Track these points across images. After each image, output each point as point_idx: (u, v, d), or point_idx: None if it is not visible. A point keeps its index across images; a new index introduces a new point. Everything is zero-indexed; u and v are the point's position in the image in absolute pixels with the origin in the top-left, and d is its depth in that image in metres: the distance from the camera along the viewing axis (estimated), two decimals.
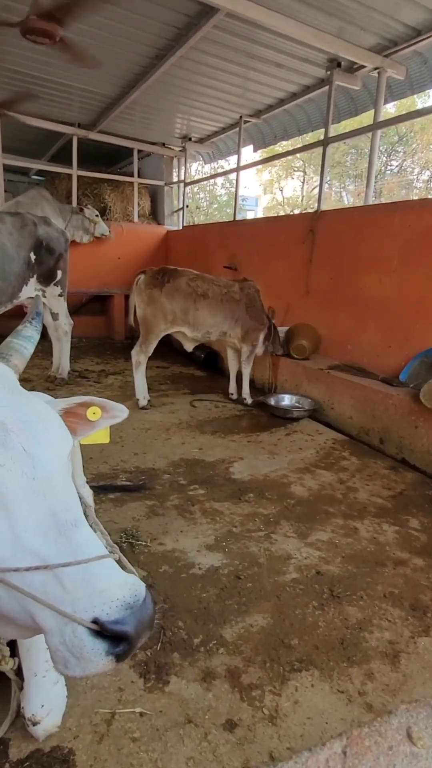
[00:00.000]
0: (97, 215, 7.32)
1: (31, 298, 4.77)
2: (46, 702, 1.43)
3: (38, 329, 1.32)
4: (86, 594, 0.87)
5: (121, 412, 1.32)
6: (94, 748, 1.43)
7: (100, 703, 1.57)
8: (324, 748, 0.64)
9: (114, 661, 0.87)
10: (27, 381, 5.17)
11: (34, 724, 1.41)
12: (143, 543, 2.47)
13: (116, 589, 0.89)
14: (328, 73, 5.02)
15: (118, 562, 0.98)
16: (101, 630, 0.85)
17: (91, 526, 1.09)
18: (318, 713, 1.59)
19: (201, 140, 8.02)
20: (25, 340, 1.25)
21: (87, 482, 2.28)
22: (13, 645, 1.39)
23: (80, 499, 1.07)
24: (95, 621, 0.85)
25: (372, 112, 5.13)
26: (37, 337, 1.30)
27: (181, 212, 8.79)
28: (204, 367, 6.36)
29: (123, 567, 0.99)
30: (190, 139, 7.97)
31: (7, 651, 1.36)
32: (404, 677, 1.75)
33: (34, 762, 1.38)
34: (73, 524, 0.93)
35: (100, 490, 2.89)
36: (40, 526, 0.91)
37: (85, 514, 1.04)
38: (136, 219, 8.60)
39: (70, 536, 0.91)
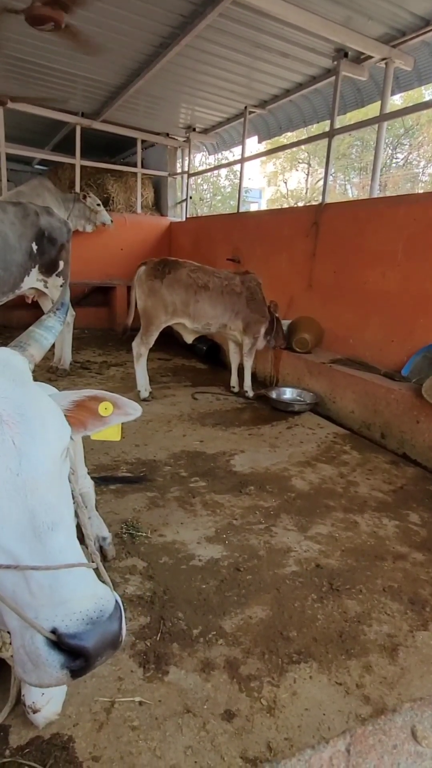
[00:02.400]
0: (98, 204, 7.28)
1: (33, 288, 4.76)
2: (46, 690, 1.44)
3: (62, 320, 1.30)
4: (50, 602, 0.85)
5: (134, 409, 1.29)
6: (93, 736, 1.44)
7: (100, 691, 1.59)
8: (328, 746, 0.64)
9: (69, 675, 0.84)
10: None
11: (35, 711, 1.42)
12: (144, 534, 2.48)
13: (81, 601, 0.86)
14: (335, 63, 4.96)
15: (96, 570, 0.95)
16: (59, 642, 0.83)
17: (84, 526, 1.07)
18: (316, 705, 1.60)
19: (205, 131, 7.95)
20: (46, 330, 1.24)
21: (88, 473, 2.29)
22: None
23: (74, 497, 1.05)
24: (54, 631, 0.83)
25: (378, 103, 5.07)
26: (59, 327, 1.28)
27: (184, 203, 8.73)
28: (206, 359, 6.35)
29: (103, 578, 0.97)
30: (194, 130, 7.90)
31: (7, 638, 1.36)
32: (402, 670, 1.76)
33: (34, 749, 1.40)
34: (50, 527, 0.90)
35: (101, 481, 2.89)
36: (17, 525, 0.89)
37: (76, 515, 1.02)
38: (139, 210, 8.55)
39: (45, 539, 0.89)
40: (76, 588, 0.87)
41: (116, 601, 0.92)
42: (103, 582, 0.96)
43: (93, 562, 0.96)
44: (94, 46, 4.35)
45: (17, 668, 0.88)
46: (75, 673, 0.85)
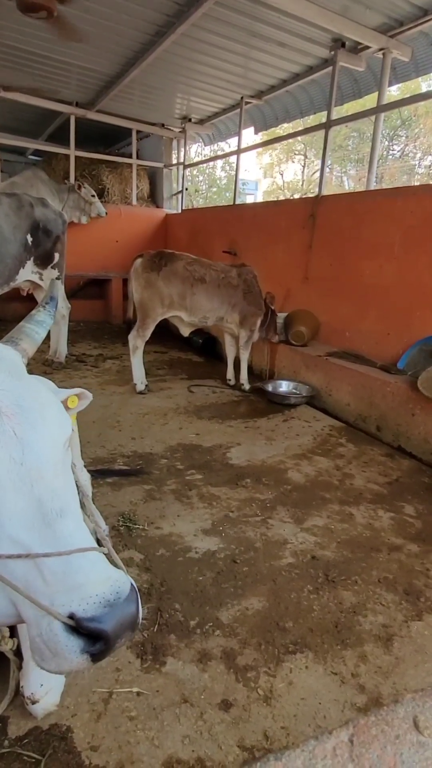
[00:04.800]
0: (93, 195, 7.22)
1: (28, 280, 4.73)
2: (44, 681, 1.45)
3: (52, 314, 1.31)
4: (65, 587, 0.85)
5: (86, 398, 1.36)
6: (91, 726, 1.46)
7: (98, 682, 1.60)
8: (331, 736, 0.65)
9: (89, 660, 0.84)
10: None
11: (33, 702, 1.43)
12: (140, 527, 2.49)
13: (96, 584, 0.86)
14: (332, 53, 4.92)
15: (107, 556, 0.95)
16: (77, 626, 0.83)
17: (87, 516, 1.07)
18: (312, 694, 1.62)
19: (201, 121, 7.88)
20: (37, 325, 1.24)
21: (85, 466, 2.29)
22: (12, 625, 1.40)
23: (79, 487, 1.05)
24: (71, 616, 0.83)
25: (375, 94, 5.04)
26: (50, 322, 1.29)
27: (180, 195, 8.67)
28: (202, 352, 6.35)
29: (113, 562, 0.97)
30: (190, 120, 7.83)
31: (6, 632, 1.37)
32: (397, 660, 1.78)
33: (32, 739, 1.41)
34: (59, 514, 0.90)
35: (97, 474, 2.90)
36: (24, 514, 0.89)
37: (81, 504, 1.02)
38: (134, 201, 8.49)
39: (54, 526, 0.89)
40: (91, 572, 0.87)
41: (131, 584, 0.92)
42: (116, 566, 0.96)
43: (104, 547, 0.96)
44: (79, 33, 4.20)
45: (35, 657, 0.88)
46: (95, 658, 0.85)
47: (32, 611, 0.87)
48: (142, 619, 1.87)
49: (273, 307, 4.85)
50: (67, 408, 1.28)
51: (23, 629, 1.41)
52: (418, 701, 0.72)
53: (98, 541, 1.03)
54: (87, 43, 5.06)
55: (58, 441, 1.01)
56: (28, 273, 4.63)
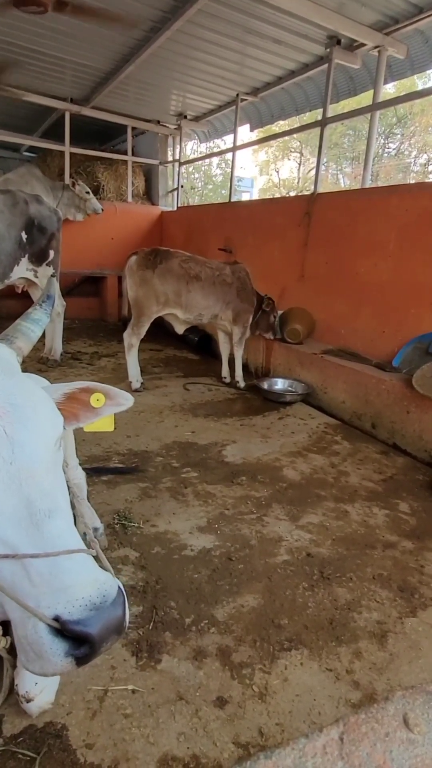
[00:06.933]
0: (87, 192, 7.18)
1: (23, 278, 4.71)
2: (39, 679, 1.45)
3: (48, 312, 1.30)
4: (51, 589, 0.84)
5: (125, 399, 1.28)
6: (86, 724, 1.46)
7: (93, 680, 1.60)
8: (321, 734, 0.65)
9: (74, 663, 0.83)
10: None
11: (28, 701, 1.43)
12: (136, 525, 2.48)
13: (83, 587, 0.85)
14: (328, 50, 4.91)
15: (96, 558, 0.95)
16: (62, 629, 0.82)
17: (78, 516, 1.07)
18: (306, 691, 1.62)
19: (197, 118, 7.85)
20: (33, 323, 1.23)
21: (80, 464, 2.28)
22: (6, 623, 1.40)
23: (69, 487, 1.05)
24: (57, 618, 0.82)
25: (371, 92, 5.03)
26: (46, 320, 1.27)
27: (175, 192, 8.64)
28: (197, 350, 6.34)
29: (102, 564, 0.97)
30: (185, 117, 7.80)
31: None
32: (391, 656, 1.79)
33: (28, 737, 1.41)
34: (47, 514, 0.89)
35: (93, 472, 2.89)
36: (12, 514, 0.88)
37: (72, 505, 1.02)
38: (130, 199, 8.46)
39: (42, 527, 0.88)
40: (78, 574, 0.86)
41: (119, 587, 0.92)
42: (104, 569, 0.96)
43: (92, 549, 0.96)
44: (107, 15, 4.03)
45: (20, 657, 0.87)
46: (80, 661, 0.84)
47: (19, 612, 0.86)
48: (136, 618, 1.87)
49: (268, 309, 4.86)
50: (91, 408, 1.24)
51: None
52: (408, 698, 0.72)
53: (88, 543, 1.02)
54: (82, 39, 5.04)
55: (49, 440, 1.00)
56: (22, 270, 4.61)
